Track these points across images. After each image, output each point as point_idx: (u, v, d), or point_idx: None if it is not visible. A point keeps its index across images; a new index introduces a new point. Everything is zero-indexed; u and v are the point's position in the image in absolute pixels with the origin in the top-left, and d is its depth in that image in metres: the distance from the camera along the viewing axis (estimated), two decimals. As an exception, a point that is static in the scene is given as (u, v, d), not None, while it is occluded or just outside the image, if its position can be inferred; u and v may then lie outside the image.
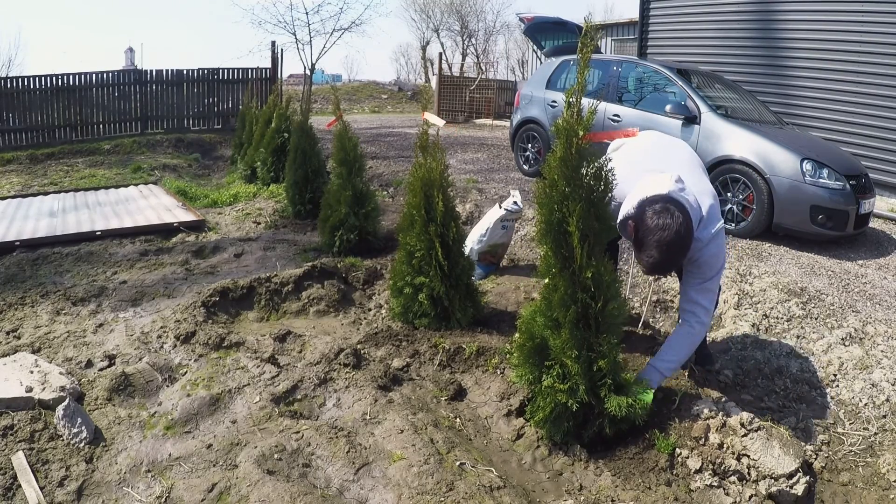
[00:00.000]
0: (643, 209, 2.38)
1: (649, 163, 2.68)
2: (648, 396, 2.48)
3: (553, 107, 7.14)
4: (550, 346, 2.43)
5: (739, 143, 5.20)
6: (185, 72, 12.43)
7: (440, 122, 3.71)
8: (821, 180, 4.85)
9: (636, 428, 2.49)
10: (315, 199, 5.83)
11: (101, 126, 11.63)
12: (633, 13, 12.03)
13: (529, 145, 7.56)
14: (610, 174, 2.44)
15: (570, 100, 2.34)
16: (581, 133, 2.33)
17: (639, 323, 3.56)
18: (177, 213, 6.13)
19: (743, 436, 2.40)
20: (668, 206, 2.35)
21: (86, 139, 11.30)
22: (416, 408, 2.72)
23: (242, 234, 5.56)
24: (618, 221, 2.59)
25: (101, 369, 3.03)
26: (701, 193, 2.53)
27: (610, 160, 2.60)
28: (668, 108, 5.69)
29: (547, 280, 2.47)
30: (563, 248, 2.39)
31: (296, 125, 6.32)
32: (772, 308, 3.77)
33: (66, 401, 2.59)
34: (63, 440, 2.48)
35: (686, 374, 3.01)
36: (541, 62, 10.75)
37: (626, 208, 2.51)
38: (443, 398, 2.90)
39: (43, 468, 2.33)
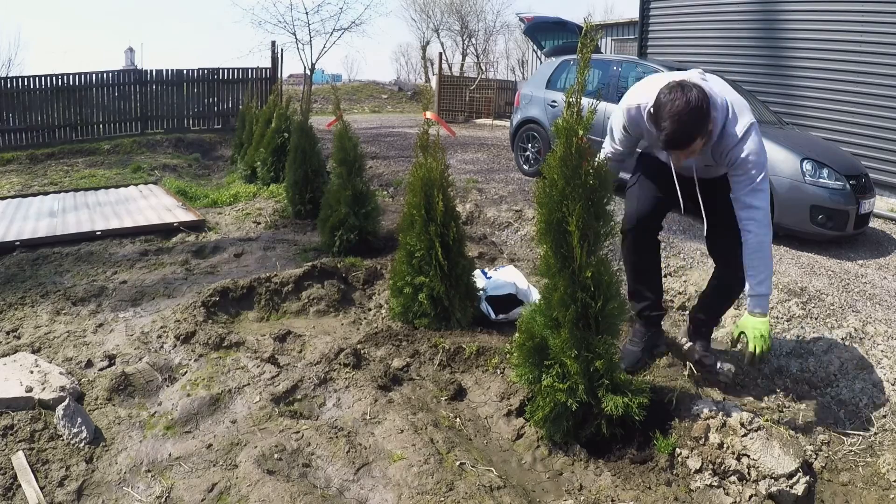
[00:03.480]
0: (658, 93, 2.42)
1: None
2: (766, 326, 2.48)
3: (553, 107, 7.14)
4: (550, 346, 2.43)
5: (739, 142, 5.19)
6: (185, 72, 12.43)
7: (429, 114, 3.63)
8: (821, 180, 4.85)
9: (636, 428, 2.49)
10: (315, 199, 5.82)
11: (101, 126, 11.62)
12: (633, 13, 12.03)
13: (529, 145, 7.56)
14: (608, 174, 2.43)
15: (570, 100, 2.34)
16: (581, 133, 2.33)
17: None
18: (177, 213, 6.13)
19: (743, 436, 2.40)
20: (681, 83, 2.38)
21: (86, 139, 11.30)
22: (416, 408, 2.72)
23: (242, 234, 5.56)
24: (646, 118, 2.58)
25: (101, 369, 3.03)
26: (728, 94, 2.52)
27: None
28: (668, 107, 5.69)
29: (546, 280, 2.47)
30: (562, 247, 2.38)
31: (296, 125, 6.31)
32: (772, 308, 3.77)
33: (66, 401, 2.59)
34: (63, 440, 2.48)
35: (686, 374, 3.01)
36: (541, 62, 10.75)
37: (650, 101, 2.51)
38: (443, 398, 2.90)
39: (43, 468, 2.33)
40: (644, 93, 2.63)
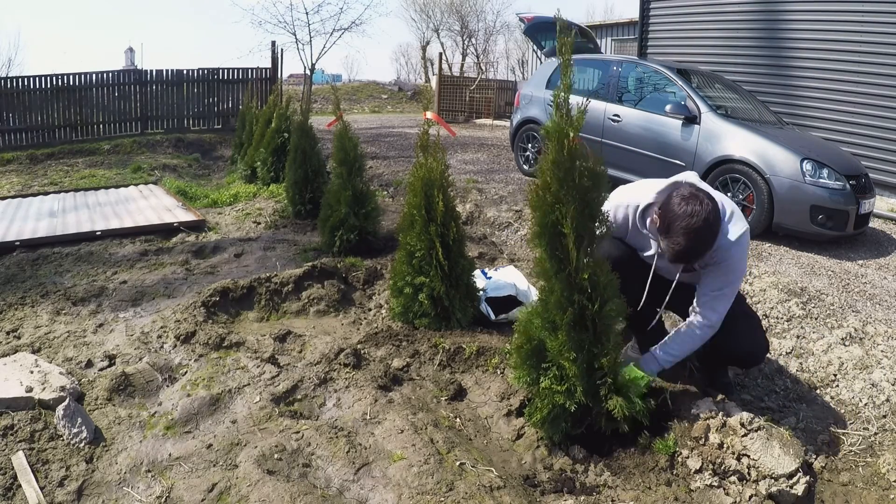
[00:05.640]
0: (670, 195, 2.40)
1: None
2: (644, 380, 2.49)
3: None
4: (548, 348, 2.42)
5: (739, 142, 5.20)
6: (185, 72, 12.43)
7: (429, 114, 3.63)
8: (821, 180, 4.85)
9: (635, 428, 2.48)
10: (315, 199, 5.83)
11: (101, 126, 11.62)
12: (633, 13, 12.03)
13: (529, 145, 7.57)
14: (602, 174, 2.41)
15: (558, 100, 2.33)
16: (572, 134, 2.30)
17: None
18: (177, 213, 6.13)
19: (743, 436, 2.40)
20: (696, 193, 2.36)
21: (86, 139, 11.30)
22: (416, 408, 2.72)
23: (242, 234, 5.56)
24: (636, 215, 2.59)
25: (101, 369, 3.03)
26: (722, 197, 2.52)
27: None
28: (668, 108, 5.70)
29: (543, 282, 2.46)
30: (558, 250, 2.36)
31: (296, 125, 6.31)
32: (772, 308, 3.77)
33: (66, 401, 2.59)
34: (63, 440, 2.48)
35: (686, 375, 3.01)
36: (541, 62, 10.76)
37: (645, 199, 2.52)
38: (443, 398, 2.90)
39: (43, 468, 2.33)
40: (636, 194, 2.62)
